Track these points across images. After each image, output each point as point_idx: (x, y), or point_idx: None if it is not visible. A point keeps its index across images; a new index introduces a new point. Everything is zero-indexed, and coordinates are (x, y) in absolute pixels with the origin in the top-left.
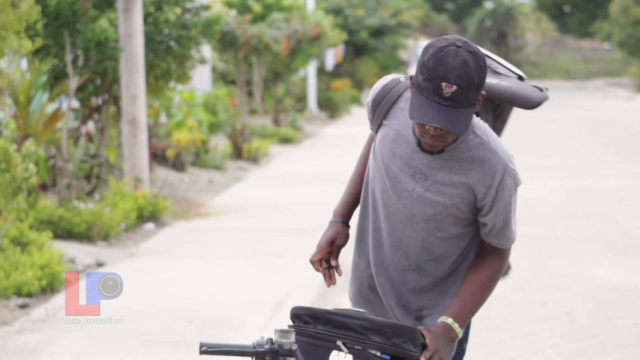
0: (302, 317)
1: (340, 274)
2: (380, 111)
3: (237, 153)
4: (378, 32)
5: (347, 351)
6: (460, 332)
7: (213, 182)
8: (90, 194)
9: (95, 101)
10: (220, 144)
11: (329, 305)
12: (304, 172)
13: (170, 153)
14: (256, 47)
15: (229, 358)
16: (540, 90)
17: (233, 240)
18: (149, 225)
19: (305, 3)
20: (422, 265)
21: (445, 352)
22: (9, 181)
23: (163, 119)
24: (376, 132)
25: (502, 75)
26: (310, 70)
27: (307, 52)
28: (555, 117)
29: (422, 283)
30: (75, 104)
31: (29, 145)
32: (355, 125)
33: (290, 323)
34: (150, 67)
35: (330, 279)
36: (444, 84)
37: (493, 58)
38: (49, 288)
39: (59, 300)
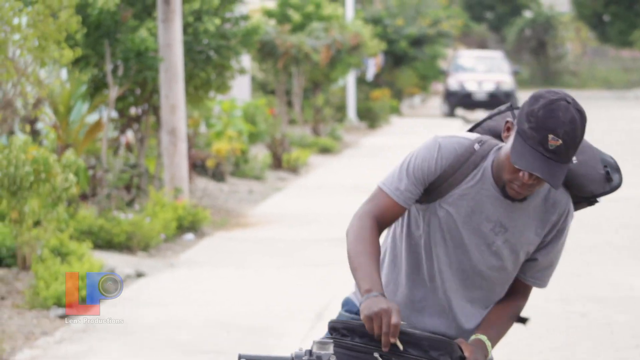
0: (340, 330)
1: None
2: (438, 190)
3: (277, 163)
4: (417, 41)
5: None
6: (490, 352)
7: (252, 192)
8: (129, 204)
9: (135, 111)
10: (260, 154)
11: None
12: (343, 182)
13: (209, 163)
14: (295, 56)
15: None
16: (609, 180)
17: (272, 250)
18: (189, 236)
19: (344, 12)
20: (475, 295)
21: None
22: (49, 191)
23: (203, 128)
24: (418, 202)
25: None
26: (349, 80)
27: (346, 62)
28: (596, 126)
29: (471, 310)
30: (114, 114)
31: (69, 155)
32: (394, 135)
33: (328, 335)
34: (189, 77)
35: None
36: (551, 136)
37: None
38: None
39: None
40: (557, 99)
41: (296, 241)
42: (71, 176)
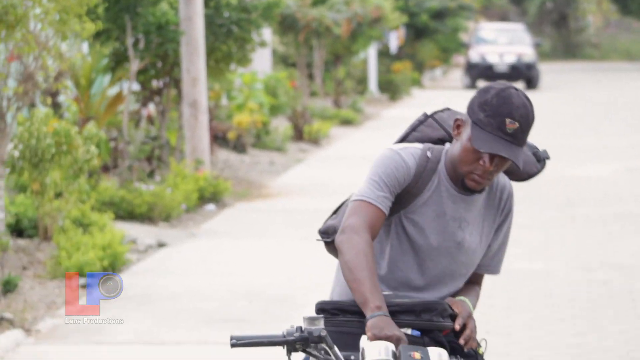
0: (329, 310)
1: None
2: (402, 201)
3: (298, 135)
4: (438, 14)
5: None
6: (472, 313)
7: (274, 164)
8: (151, 175)
9: (156, 84)
10: (281, 126)
11: None
12: (364, 153)
13: (231, 135)
14: (317, 29)
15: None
16: (538, 160)
17: (293, 220)
18: (210, 206)
19: None
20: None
21: (474, 319)
22: (70, 163)
23: (224, 101)
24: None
25: None
26: (370, 53)
27: (367, 35)
28: (617, 98)
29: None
30: (136, 86)
31: (91, 127)
32: (415, 107)
33: None
34: (210, 50)
35: None
36: (508, 120)
37: None
38: (111, 268)
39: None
40: (506, 87)
41: (317, 212)
42: (92, 148)
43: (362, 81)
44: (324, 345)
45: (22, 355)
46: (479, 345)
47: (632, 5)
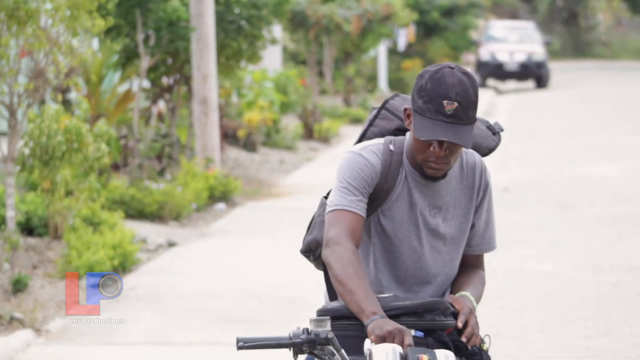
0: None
1: None
2: (377, 199)
3: (308, 133)
4: (449, 12)
5: None
6: (475, 308)
7: (284, 162)
8: (161, 173)
9: (167, 81)
10: (291, 124)
11: None
12: None
13: (241, 133)
14: (327, 26)
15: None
16: (494, 133)
17: (304, 220)
18: (220, 205)
19: None
20: (435, 279)
21: (475, 316)
22: (81, 161)
23: (234, 99)
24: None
25: None
26: (380, 50)
27: (377, 32)
28: (627, 97)
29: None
30: (146, 83)
31: (101, 125)
32: None
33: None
34: (221, 47)
35: None
36: (445, 101)
37: None
38: (121, 267)
39: (131, 279)
40: (440, 68)
41: None
42: (103, 146)
43: (372, 79)
44: (330, 348)
45: (32, 356)
46: (482, 341)
47: None
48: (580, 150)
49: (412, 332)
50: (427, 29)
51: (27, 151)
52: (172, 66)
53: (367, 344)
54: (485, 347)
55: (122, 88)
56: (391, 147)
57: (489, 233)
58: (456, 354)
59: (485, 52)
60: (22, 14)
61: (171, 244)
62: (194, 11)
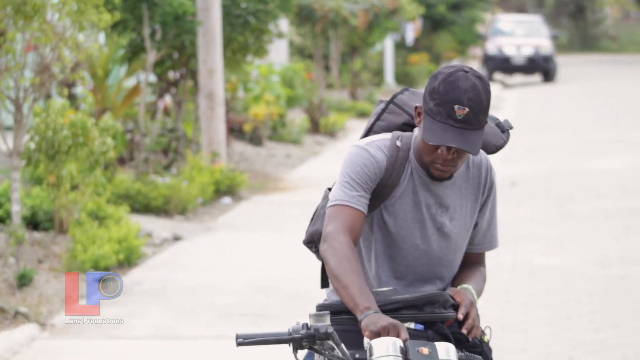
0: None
1: None
2: (381, 194)
3: (314, 127)
4: (456, 6)
5: None
6: (477, 301)
7: (290, 156)
8: (167, 168)
9: (173, 75)
10: (298, 118)
11: None
12: None
13: (247, 127)
14: (333, 20)
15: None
16: (503, 131)
17: (310, 214)
18: (226, 199)
19: None
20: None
21: (476, 307)
22: (86, 155)
23: (240, 93)
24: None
25: None
26: (387, 44)
27: (384, 26)
28: (635, 91)
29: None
30: (152, 78)
31: (107, 119)
32: None
33: None
34: (227, 41)
35: None
36: (456, 106)
37: None
38: (127, 262)
39: (136, 273)
40: (454, 71)
41: None
42: (109, 140)
43: (379, 73)
44: (330, 342)
45: (37, 350)
46: (483, 333)
47: None
48: (587, 144)
49: (412, 325)
50: (434, 23)
51: (32, 145)
52: (179, 60)
53: (367, 338)
54: (486, 339)
55: (129, 82)
56: (398, 143)
57: (491, 232)
58: (457, 346)
59: (492, 46)
60: (28, 8)
61: (177, 238)
62: (200, 5)
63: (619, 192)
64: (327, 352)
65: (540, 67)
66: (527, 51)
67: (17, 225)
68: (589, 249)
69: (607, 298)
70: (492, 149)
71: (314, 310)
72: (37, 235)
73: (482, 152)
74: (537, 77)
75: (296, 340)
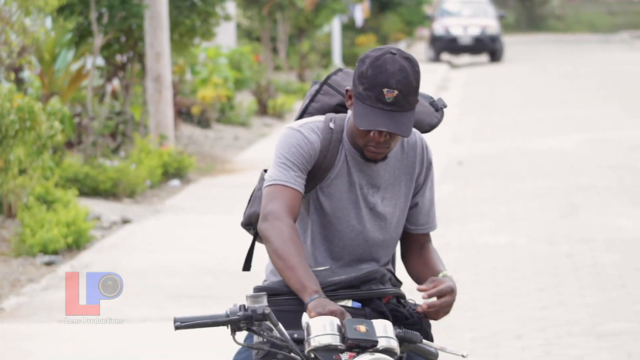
0: (267, 293)
1: None
2: (316, 176)
3: (262, 109)
4: None
5: None
6: (454, 290)
7: (238, 139)
8: (115, 151)
9: (120, 59)
10: (245, 100)
11: None
12: None
13: (195, 110)
14: (280, 3)
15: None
16: (437, 110)
17: None
18: (174, 182)
19: None
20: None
21: (454, 296)
22: (34, 139)
23: (188, 76)
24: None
25: None
26: (335, 26)
27: (331, 8)
28: (581, 70)
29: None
30: (100, 61)
31: (54, 103)
32: None
33: None
34: (174, 25)
35: None
36: (385, 89)
37: None
38: (75, 245)
39: (85, 257)
40: (381, 54)
41: None
42: (56, 124)
43: (327, 55)
44: (268, 323)
45: None
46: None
47: None
48: (534, 123)
49: (350, 302)
50: (381, 5)
51: None
52: (126, 44)
53: (305, 318)
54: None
55: (76, 66)
56: (331, 125)
57: (432, 212)
58: (394, 323)
59: (439, 27)
60: None
61: (125, 221)
62: None
63: (566, 171)
64: (265, 333)
65: (487, 47)
66: (474, 31)
67: None
68: (536, 228)
69: (554, 276)
70: (427, 128)
71: (250, 292)
72: None
73: (416, 131)
74: (484, 57)
75: (234, 322)
